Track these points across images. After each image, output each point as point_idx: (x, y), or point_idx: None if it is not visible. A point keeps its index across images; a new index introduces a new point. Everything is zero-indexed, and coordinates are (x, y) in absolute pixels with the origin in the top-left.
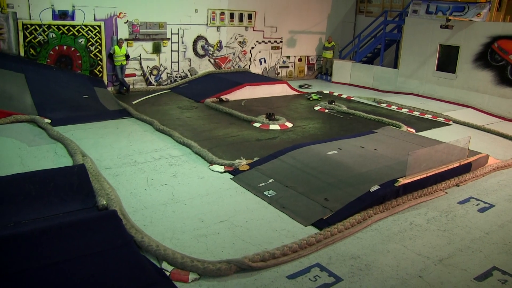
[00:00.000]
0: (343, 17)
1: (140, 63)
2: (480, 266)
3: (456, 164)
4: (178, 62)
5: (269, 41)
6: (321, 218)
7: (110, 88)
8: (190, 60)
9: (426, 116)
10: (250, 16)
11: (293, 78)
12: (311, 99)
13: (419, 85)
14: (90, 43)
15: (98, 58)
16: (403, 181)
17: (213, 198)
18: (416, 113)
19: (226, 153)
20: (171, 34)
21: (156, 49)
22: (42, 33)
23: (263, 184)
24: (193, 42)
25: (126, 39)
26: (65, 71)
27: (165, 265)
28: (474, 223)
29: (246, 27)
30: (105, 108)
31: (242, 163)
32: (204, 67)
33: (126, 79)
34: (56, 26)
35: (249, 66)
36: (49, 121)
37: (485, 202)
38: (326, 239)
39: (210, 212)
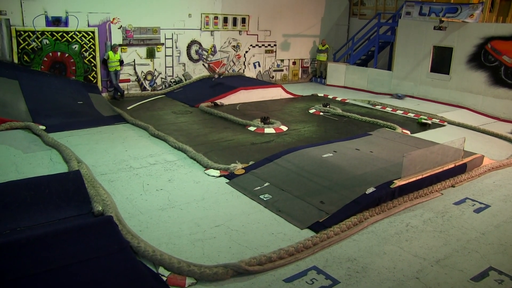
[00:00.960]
0: (337, 20)
1: (134, 69)
2: (477, 267)
3: (451, 165)
4: (172, 67)
5: (263, 45)
6: (317, 221)
7: (104, 94)
8: (184, 64)
9: (420, 117)
10: (243, 20)
11: (288, 82)
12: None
13: (414, 86)
14: (84, 49)
15: (92, 64)
16: (398, 182)
17: (209, 202)
18: (411, 115)
19: (222, 157)
20: (165, 39)
21: (150, 54)
22: (35, 39)
23: (259, 187)
24: (187, 47)
25: (120, 45)
26: (59, 78)
27: (161, 270)
28: (470, 223)
29: (240, 31)
30: (100, 114)
31: (237, 167)
32: (198, 71)
33: (121, 84)
34: (49, 33)
35: (243, 70)
36: (43, 127)
37: (480, 203)
38: (322, 242)
39: (206, 216)
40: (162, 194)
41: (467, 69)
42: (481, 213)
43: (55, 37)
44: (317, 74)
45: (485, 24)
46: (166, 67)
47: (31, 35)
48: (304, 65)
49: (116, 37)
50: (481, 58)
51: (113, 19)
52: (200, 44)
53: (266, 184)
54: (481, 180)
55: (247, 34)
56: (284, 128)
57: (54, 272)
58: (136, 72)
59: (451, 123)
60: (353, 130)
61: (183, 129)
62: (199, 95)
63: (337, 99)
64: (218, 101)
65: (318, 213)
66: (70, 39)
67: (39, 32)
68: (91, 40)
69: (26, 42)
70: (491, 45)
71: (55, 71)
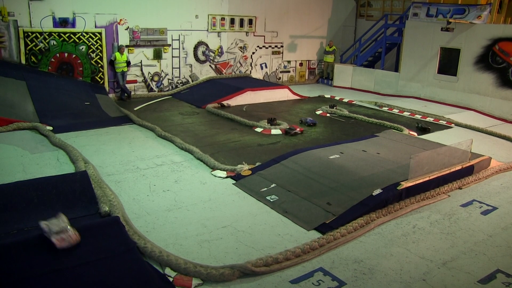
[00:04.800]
0: (344, 21)
1: (141, 70)
2: (484, 269)
3: (459, 167)
4: (179, 68)
5: (270, 46)
6: (323, 222)
7: (111, 95)
8: (191, 66)
9: (427, 119)
10: (250, 21)
11: (294, 83)
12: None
13: (421, 88)
14: (91, 50)
15: (99, 65)
16: (405, 184)
17: (215, 203)
18: (418, 116)
19: (228, 159)
20: (172, 40)
21: (157, 55)
22: (43, 40)
23: (266, 189)
24: (194, 48)
25: (127, 46)
26: (66, 78)
27: (168, 271)
28: (477, 225)
29: (246, 32)
30: (107, 114)
31: (244, 168)
32: (205, 72)
33: (128, 85)
34: (57, 34)
35: (250, 71)
36: (51, 128)
37: (488, 205)
38: (329, 244)
39: (212, 217)
40: (168, 195)
41: (475, 71)
42: (488, 215)
43: (62, 38)
44: (324, 76)
45: (493, 25)
46: (173, 68)
47: (39, 36)
48: (311, 67)
49: (123, 38)
50: (489, 59)
51: (120, 20)
52: (207, 45)
53: (273, 185)
54: (488, 182)
55: (254, 35)
56: None
57: (61, 272)
58: (143, 73)
59: (458, 124)
60: (360, 131)
61: (189, 130)
62: (206, 96)
63: (344, 100)
64: (225, 102)
65: (325, 215)
66: (77, 40)
67: (47, 33)
68: (98, 41)
69: (34, 43)
70: (499, 46)
71: (62, 72)
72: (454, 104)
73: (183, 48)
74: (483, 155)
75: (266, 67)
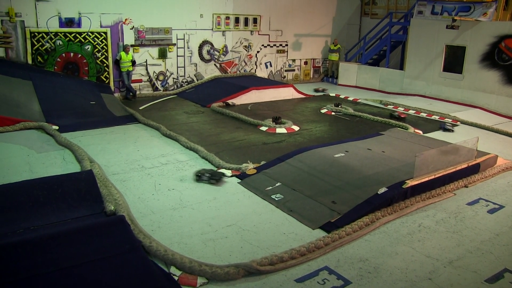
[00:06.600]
0: (348, 19)
1: (146, 69)
2: (491, 268)
3: (464, 165)
4: (184, 67)
5: (274, 45)
6: (329, 221)
7: (116, 94)
8: (196, 65)
9: (433, 117)
10: (255, 20)
11: (299, 82)
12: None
13: (426, 86)
14: (97, 49)
15: (105, 65)
16: (411, 183)
17: (220, 202)
18: (423, 114)
19: (233, 157)
20: (177, 39)
21: (162, 55)
22: (49, 40)
23: (271, 187)
24: (199, 47)
25: (132, 45)
26: (72, 78)
27: (173, 270)
28: (483, 224)
29: (251, 31)
30: (112, 114)
31: (249, 167)
32: (210, 71)
33: (133, 84)
34: (63, 34)
35: (255, 70)
36: (56, 127)
37: (494, 203)
38: (334, 242)
39: (217, 216)
40: (174, 194)
41: (480, 68)
42: (495, 214)
43: (68, 38)
44: (328, 74)
45: (499, 23)
46: (178, 67)
47: (45, 36)
48: (316, 65)
49: (128, 38)
50: (495, 57)
51: (125, 19)
52: (211, 44)
53: (278, 184)
54: (495, 180)
55: (259, 34)
56: (296, 128)
57: (66, 271)
58: (148, 73)
59: (464, 122)
60: (365, 130)
61: (194, 129)
62: (211, 95)
63: (348, 98)
64: (229, 101)
65: (330, 213)
66: (83, 40)
67: (53, 33)
68: (103, 40)
69: (40, 43)
70: (505, 43)
71: (68, 71)
72: (459, 102)
73: (188, 47)
74: (489, 153)
75: (271, 65)
